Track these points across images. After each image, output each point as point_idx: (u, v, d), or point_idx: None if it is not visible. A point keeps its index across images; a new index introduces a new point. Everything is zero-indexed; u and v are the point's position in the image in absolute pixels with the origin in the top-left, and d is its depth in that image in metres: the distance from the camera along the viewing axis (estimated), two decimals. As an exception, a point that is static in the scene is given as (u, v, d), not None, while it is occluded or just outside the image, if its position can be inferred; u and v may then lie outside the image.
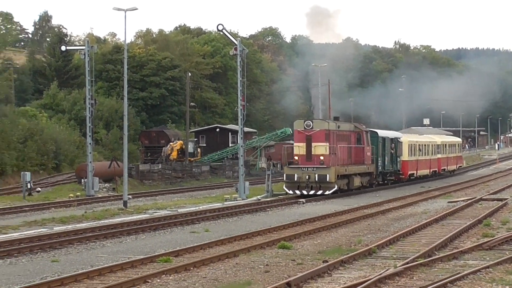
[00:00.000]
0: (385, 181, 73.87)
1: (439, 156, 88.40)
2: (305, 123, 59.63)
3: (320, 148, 58.19)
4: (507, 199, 55.57)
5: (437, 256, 29.39)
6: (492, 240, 33.26)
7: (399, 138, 76.88)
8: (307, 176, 57.70)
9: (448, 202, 55.59)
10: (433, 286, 23.17)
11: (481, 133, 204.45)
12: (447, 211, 46.93)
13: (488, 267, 26.71)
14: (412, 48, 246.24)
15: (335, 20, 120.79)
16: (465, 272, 25.54)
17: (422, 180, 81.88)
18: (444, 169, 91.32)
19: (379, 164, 69.91)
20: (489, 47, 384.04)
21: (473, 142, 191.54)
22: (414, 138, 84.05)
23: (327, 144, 58.50)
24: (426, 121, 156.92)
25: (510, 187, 71.94)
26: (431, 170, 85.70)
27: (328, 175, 57.39)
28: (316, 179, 57.49)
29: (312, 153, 58.21)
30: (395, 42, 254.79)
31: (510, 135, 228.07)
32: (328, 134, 59.16)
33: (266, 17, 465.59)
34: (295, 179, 58.25)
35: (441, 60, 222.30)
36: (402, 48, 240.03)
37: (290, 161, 61.86)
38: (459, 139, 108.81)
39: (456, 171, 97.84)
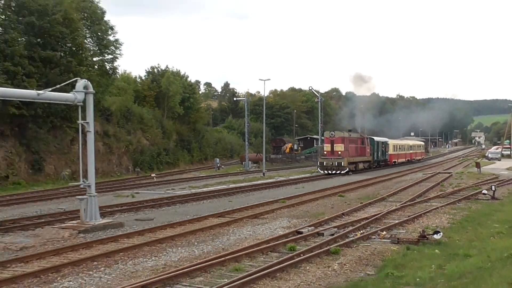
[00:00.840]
0: (379, 166, 68.84)
1: (411, 151, 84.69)
2: (330, 133, 56.80)
3: (339, 147, 55.47)
4: (452, 172, 54.08)
5: (417, 201, 28.86)
6: (444, 192, 32.54)
7: (387, 141, 72.78)
8: (331, 163, 55.16)
9: (423, 174, 54.26)
10: (415, 214, 22.82)
11: (439, 139, 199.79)
12: (422, 178, 45.84)
13: (442, 206, 26.17)
14: (405, 97, 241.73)
15: (368, 82, 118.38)
16: (431, 208, 25.11)
17: (401, 164, 76.19)
18: (414, 158, 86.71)
19: (374, 156, 66.08)
20: (444, 96, 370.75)
21: (435, 144, 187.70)
22: (396, 142, 79.58)
23: (343, 144, 55.60)
24: (412, 133, 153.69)
25: (454, 167, 69.69)
26: (406, 159, 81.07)
27: (342, 162, 54.71)
28: (336, 165, 54.89)
29: (334, 150, 55.55)
30: (397, 94, 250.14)
31: (454, 141, 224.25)
32: (344, 139, 56.10)
33: (333, 80, 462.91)
34: (324, 164, 55.61)
35: (420, 103, 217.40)
36: (400, 97, 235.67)
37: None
38: (423, 143, 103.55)
39: (421, 160, 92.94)
